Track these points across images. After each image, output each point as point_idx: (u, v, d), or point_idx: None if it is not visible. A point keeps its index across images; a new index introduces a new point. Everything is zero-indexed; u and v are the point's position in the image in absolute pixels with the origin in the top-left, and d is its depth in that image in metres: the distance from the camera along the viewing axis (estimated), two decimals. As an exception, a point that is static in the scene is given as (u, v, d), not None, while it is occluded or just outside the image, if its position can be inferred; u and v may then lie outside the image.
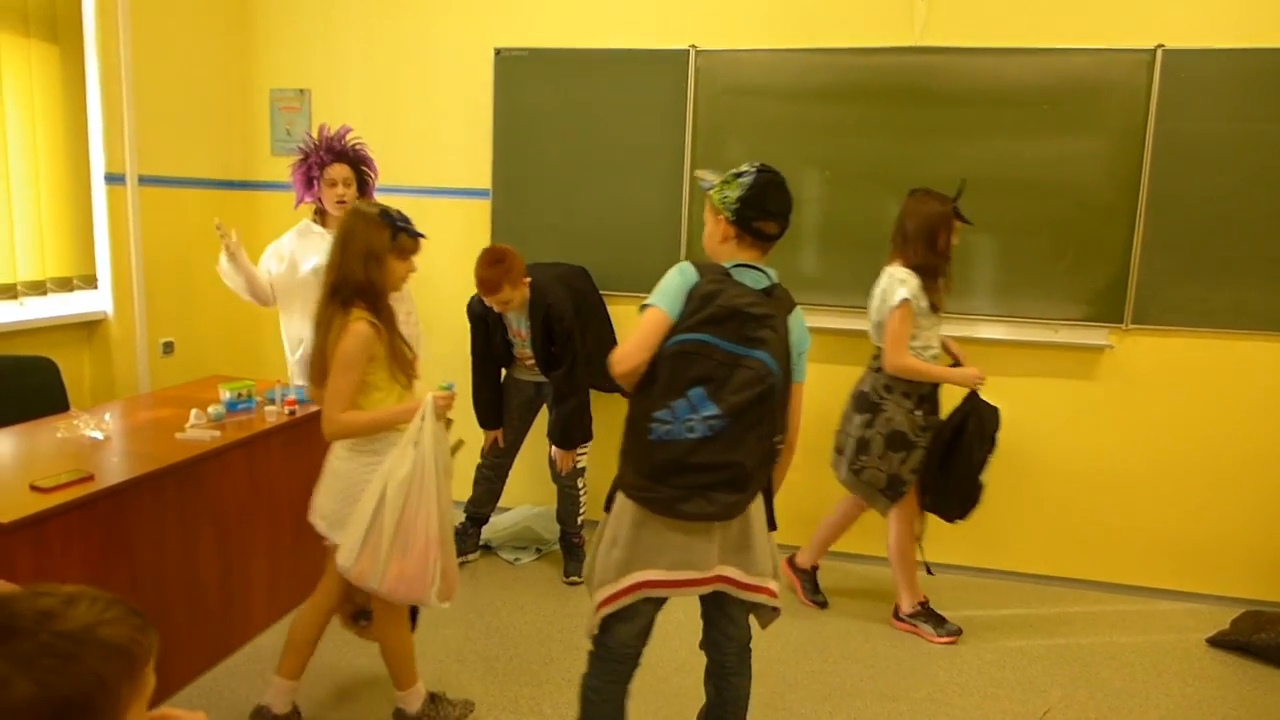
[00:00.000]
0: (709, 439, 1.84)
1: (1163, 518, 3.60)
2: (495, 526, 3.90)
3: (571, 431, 3.46)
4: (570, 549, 3.65)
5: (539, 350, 3.41)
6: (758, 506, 2.04)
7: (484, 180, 4.02)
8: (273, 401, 3.09)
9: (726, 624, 2.15)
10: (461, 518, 3.74)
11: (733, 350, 1.85)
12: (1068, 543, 3.70)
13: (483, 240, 4.04)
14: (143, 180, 3.79)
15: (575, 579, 3.53)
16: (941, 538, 3.83)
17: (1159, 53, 3.35)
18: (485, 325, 3.46)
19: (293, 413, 3.07)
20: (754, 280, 1.97)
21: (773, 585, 2.08)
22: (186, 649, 2.68)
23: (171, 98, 3.94)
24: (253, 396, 3.15)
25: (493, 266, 3.22)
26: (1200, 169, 3.38)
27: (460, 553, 3.65)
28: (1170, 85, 3.37)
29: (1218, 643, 3.24)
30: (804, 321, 2.06)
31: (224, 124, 4.26)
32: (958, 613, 3.42)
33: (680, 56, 3.74)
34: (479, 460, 3.67)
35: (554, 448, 3.52)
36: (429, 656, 2.92)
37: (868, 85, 3.61)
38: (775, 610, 2.12)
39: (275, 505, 3.04)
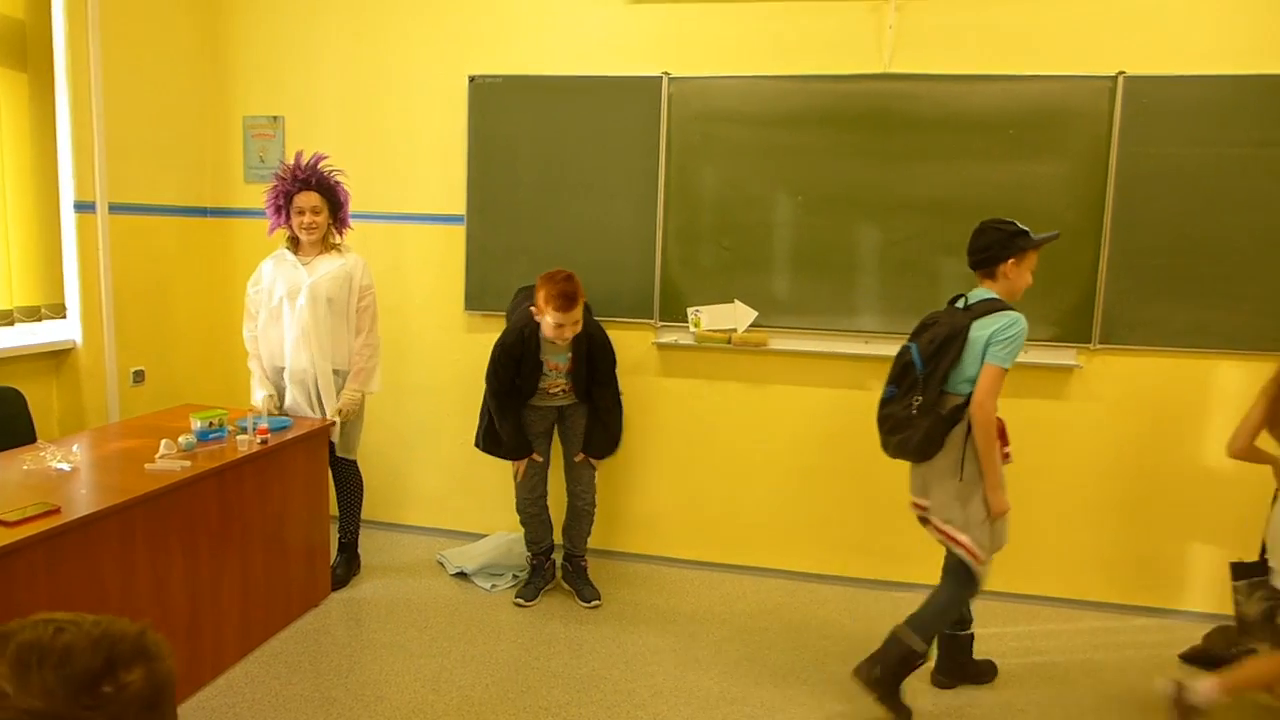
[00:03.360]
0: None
1: (1132, 535, 3.65)
2: (470, 553, 3.88)
3: (615, 442, 3.54)
4: (579, 572, 3.65)
5: (579, 376, 3.41)
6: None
7: (458, 206, 4.03)
8: (245, 430, 3.06)
9: None
10: (526, 562, 3.76)
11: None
12: (1040, 561, 3.73)
13: (458, 266, 4.05)
14: (113, 208, 3.76)
15: (596, 602, 3.55)
16: (914, 554, 3.85)
17: (1120, 79, 3.43)
18: (517, 362, 3.36)
19: (264, 441, 3.05)
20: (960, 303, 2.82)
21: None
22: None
23: (143, 125, 3.92)
24: (225, 426, 3.12)
25: (569, 280, 3.17)
26: (1162, 192, 3.45)
27: (539, 589, 3.65)
28: (1132, 111, 3.44)
29: (1190, 658, 3.27)
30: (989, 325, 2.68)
31: (196, 151, 4.24)
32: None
33: (653, 83, 3.78)
34: (517, 500, 3.61)
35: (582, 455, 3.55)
36: (403, 687, 2.89)
37: (838, 111, 3.66)
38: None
39: (247, 536, 3.00)
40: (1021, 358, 3.58)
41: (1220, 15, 3.41)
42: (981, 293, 2.77)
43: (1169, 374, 3.53)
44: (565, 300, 3.16)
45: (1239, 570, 2.90)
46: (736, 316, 3.79)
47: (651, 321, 3.89)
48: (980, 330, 2.68)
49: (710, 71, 3.76)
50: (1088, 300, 3.53)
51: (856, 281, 3.71)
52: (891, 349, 3.66)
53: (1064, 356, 3.59)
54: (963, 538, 2.73)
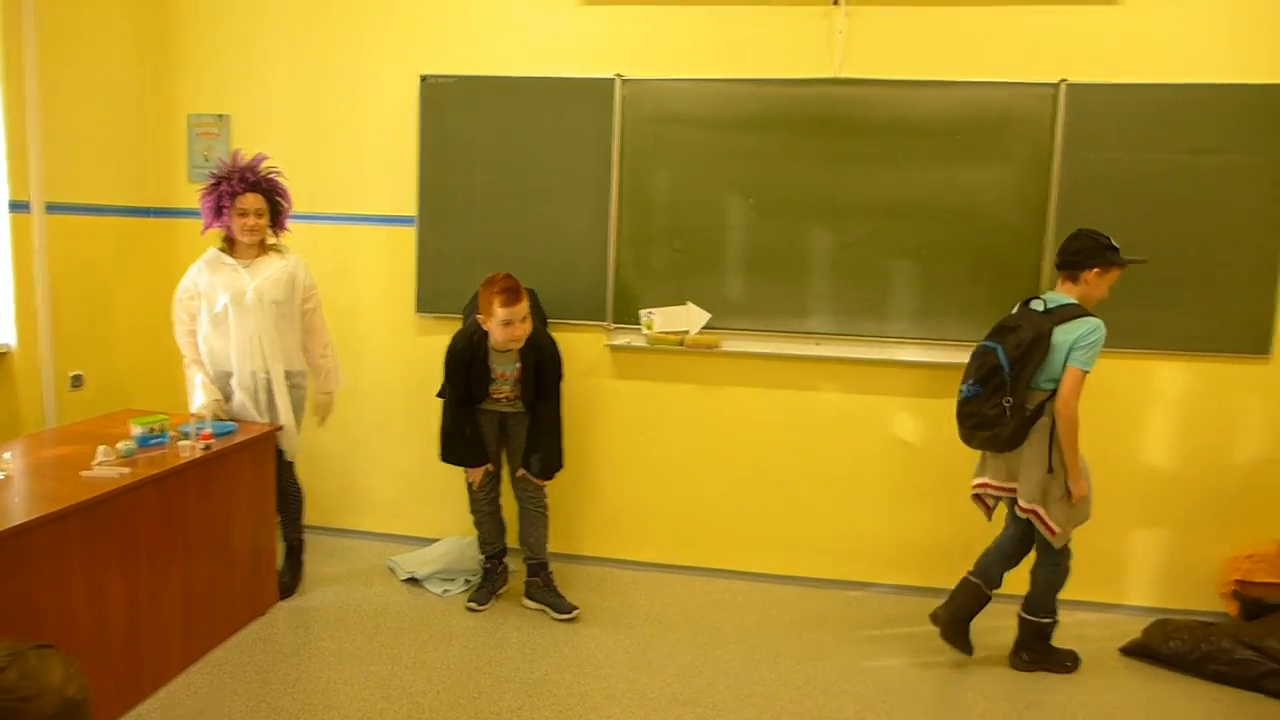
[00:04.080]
0: None
1: (1078, 531, 3.72)
2: (422, 558, 3.83)
3: (556, 462, 3.49)
4: (547, 584, 3.57)
5: (527, 385, 3.38)
6: None
7: (409, 207, 3.99)
8: (187, 436, 2.99)
9: None
10: (479, 566, 3.73)
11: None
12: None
13: (409, 268, 4.01)
14: (51, 208, 3.65)
15: (574, 611, 3.48)
16: (867, 553, 3.90)
17: (1063, 87, 3.51)
18: (467, 369, 3.35)
19: (208, 447, 2.98)
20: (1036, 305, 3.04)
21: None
22: (93, 698, 2.55)
23: (82, 122, 3.81)
24: (166, 431, 3.05)
25: (509, 277, 3.21)
26: (1103, 197, 3.53)
27: (491, 593, 3.61)
28: (1074, 117, 3.52)
29: (1130, 651, 3.35)
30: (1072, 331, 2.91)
31: (138, 149, 4.13)
32: (888, 631, 3.48)
33: (606, 85, 3.78)
34: (470, 501, 3.60)
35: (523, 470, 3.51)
36: (352, 695, 2.84)
37: (790, 115, 3.69)
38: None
39: (190, 545, 2.93)
40: (966, 359, 3.66)
41: (1158, 27, 3.50)
42: (1059, 297, 3.03)
43: (1112, 374, 3.61)
44: (510, 294, 3.16)
45: None
46: (689, 319, 3.80)
47: (604, 324, 3.88)
48: (1064, 335, 2.93)
49: (663, 74, 3.76)
50: (1032, 303, 3.60)
51: (808, 284, 3.74)
52: (842, 350, 3.74)
53: (1009, 358, 3.65)
54: (1048, 519, 3.04)
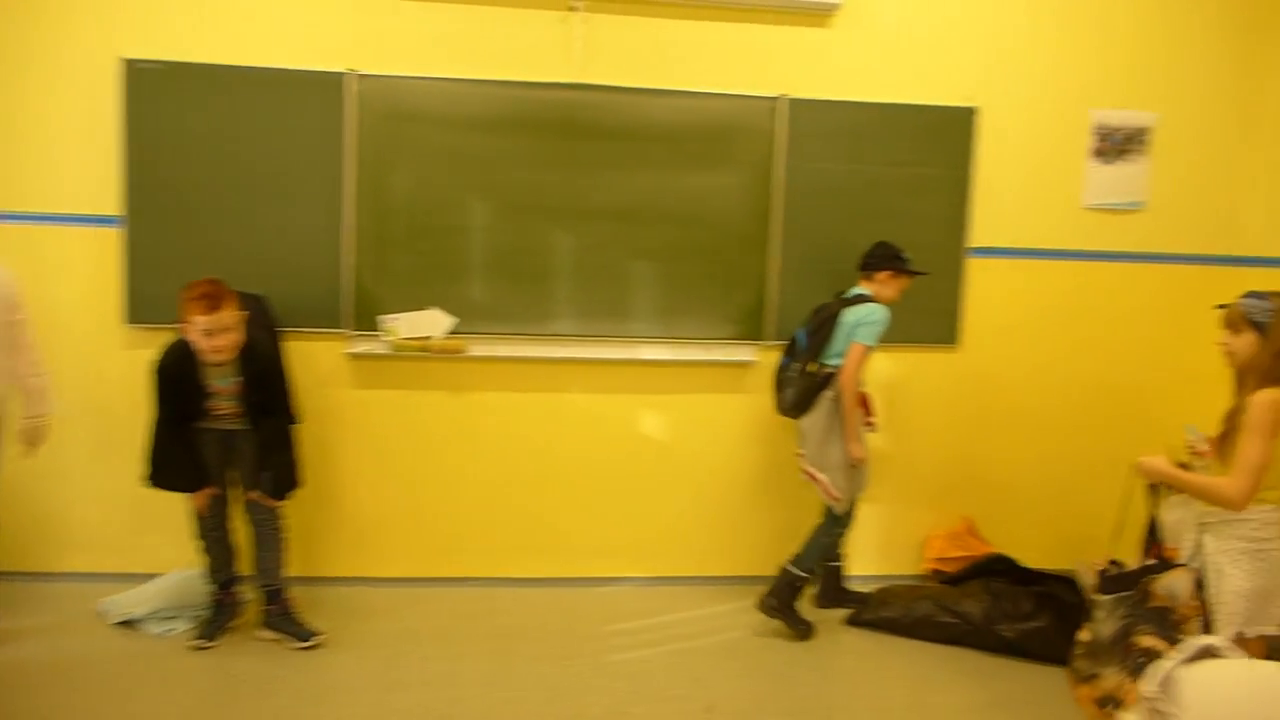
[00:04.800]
0: None
1: (806, 512, 3.99)
2: (138, 597, 3.43)
3: (287, 482, 3.26)
4: (284, 611, 3.32)
5: (248, 401, 3.12)
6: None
7: (111, 206, 3.57)
8: None
9: None
10: (208, 593, 3.37)
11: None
12: (728, 541, 4.01)
13: (113, 274, 3.60)
14: None
15: (317, 638, 3.26)
16: (620, 550, 4.00)
17: (781, 101, 3.77)
18: (178, 385, 3.06)
19: None
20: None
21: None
22: None
23: None
24: None
25: (212, 283, 2.97)
26: (819, 203, 3.84)
27: (220, 627, 3.29)
28: (793, 129, 3.79)
29: (854, 621, 3.65)
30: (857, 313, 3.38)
31: None
32: (638, 623, 3.57)
33: (337, 79, 3.59)
34: (196, 526, 3.28)
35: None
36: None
37: (530, 118, 3.69)
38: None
39: None
40: (704, 355, 3.87)
41: (862, 52, 3.86)
42: (858, 290, 3.48)
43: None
44: (208, 301, 2.93)
45: (1109, 584, 2.54)
46: (434, 324, 3.69)
47: (343, 331, 3.69)
48: (851, 316, 3.40)
49: (399, 71, 3.63)
50: (762, 301, 3.85)
51: (552, 286, 3.77)
52: (588, 351, 3.81)
53: (743, 353, 3.88)
54: (823, 478, 3.42)
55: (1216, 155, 4.08)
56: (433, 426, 3.83)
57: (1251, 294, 2.47)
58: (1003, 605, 3.44)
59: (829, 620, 3.64)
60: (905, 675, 3.25)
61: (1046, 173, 4.00)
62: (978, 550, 3.91)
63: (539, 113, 3.70)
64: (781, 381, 3.52)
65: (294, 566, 3.50)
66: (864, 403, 3.52)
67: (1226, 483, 2.36)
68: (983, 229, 3.96)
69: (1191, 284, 4.08)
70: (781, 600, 3.48)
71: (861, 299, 3.43)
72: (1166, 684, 2.10)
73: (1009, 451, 4.13)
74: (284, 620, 3.32)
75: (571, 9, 3.70)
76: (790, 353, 3.53)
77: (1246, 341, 2.42)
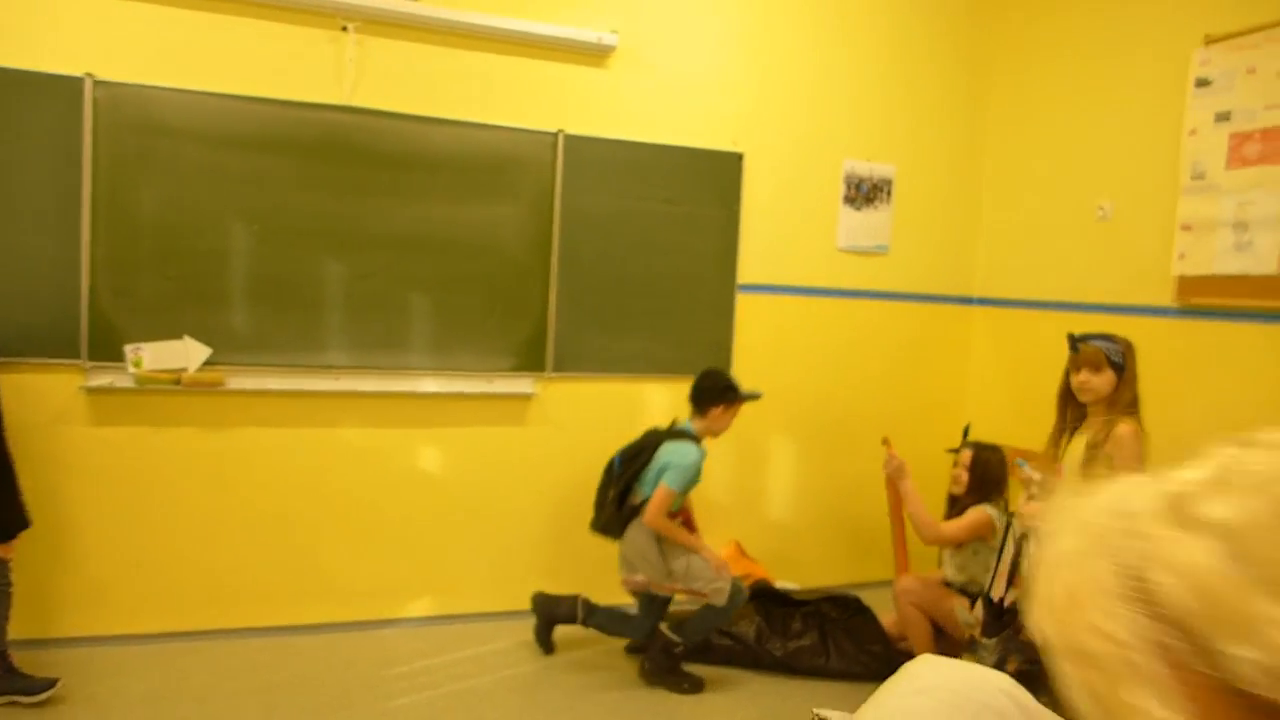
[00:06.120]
0: None
1: (592, 543, 4.03)
2: None
3: (12, 524, 2.92)
4: (8, 669, 2.94)
5: None
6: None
7: None
8: None
9: None
10: None
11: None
12: (508, 576, 3.95)
13: None
14: None
15: (48, 692, 2.93)
16: (399, 588, 3.85)
17: (560, 136, 3.84)
18: None
19: None
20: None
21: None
22: None
23: None
24: None
25: None
26: (597, 236, 3.94)
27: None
28: (571, 164, 3.87)
29: (633, 650, 3.70)
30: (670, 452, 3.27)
31: None
32: (416, 664, 3.45)
33: (74, 84, 3.25)
34: None
35: None
36: None
37: (299, 139, 3.52)
38: None
39: None
40: (485, 388, 3.84)
41: (636, 94, 4.01)
42: (686, 425, 3.39)
43: (610, 397, 4.03)
44: None
45: (989, 627, 2.82)
46: (186, 354, 3.41)
47: (79, 362, 3.31)
48: (663, 454, 3.29)
49: (147, 80, 3.34)
50: (542, 333, 3.88)
51: (323, 316, 3.60)
52: (362, 384, 3.67)
53: (522, 385, 3.89)
54: (694, 586, 3.29)
55: (948, 205, 4.61)
56: (187, 466, 3.51)
57: (1101, 336, 2.84)
58: (773, 625, 3.65)
59: (613, 650, 3.68)
60: (684, 700, 3.34)
61: (806, 216, 4.34)
62: (749, 570, 4.12)
63: (309, 134, 3.54)
64: (598, 502, 3.47)
65: (15, 627, 3.07)
66: (687, 520, 3.49)
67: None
68: (748, 267, 4.22)
69: (929, 321, 4.57)
70: (658, 666, 3.38)
71: (682, 434, 3.35)
72: None
73: (775, 475, 4.40)
74: (8, 678, 2.94)
75: (343, 29, 3.57)
76: (608, 473, 3.48)
77: (1106, 379, 2.77)
